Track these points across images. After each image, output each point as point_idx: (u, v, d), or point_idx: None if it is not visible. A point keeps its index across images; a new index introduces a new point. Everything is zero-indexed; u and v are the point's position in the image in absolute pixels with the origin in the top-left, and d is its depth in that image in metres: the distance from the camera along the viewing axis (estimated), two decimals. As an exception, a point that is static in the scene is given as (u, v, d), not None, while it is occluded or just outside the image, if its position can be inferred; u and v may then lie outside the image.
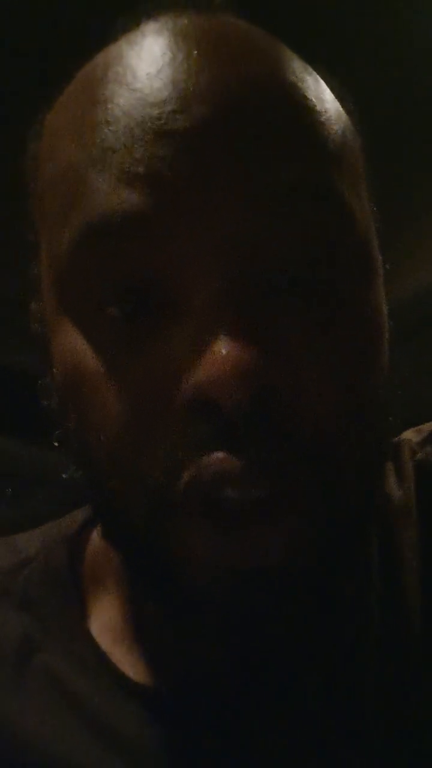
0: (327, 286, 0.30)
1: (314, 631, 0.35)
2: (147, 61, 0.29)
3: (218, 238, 0.27)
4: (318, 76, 0.33)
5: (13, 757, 0.35)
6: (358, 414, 0.30)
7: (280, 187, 0.28)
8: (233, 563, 0.28)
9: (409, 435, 0.43)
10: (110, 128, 0.29)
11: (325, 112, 0.31)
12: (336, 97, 0.33)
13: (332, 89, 0.33)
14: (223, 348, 0.26)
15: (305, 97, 0.30)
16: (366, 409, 0.30)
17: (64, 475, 0.33)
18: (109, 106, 0.29)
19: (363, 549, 0.37)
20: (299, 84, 0.30)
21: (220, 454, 0.27)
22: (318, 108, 0.30)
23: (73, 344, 0.31)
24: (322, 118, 0.30)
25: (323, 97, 0.31)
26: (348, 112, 0.34)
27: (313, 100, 0.30)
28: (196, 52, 0.29)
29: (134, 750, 0.34)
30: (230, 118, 0.28)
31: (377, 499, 0.38)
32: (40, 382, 0.34)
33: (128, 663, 0.36)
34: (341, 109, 0.33)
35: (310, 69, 0.33)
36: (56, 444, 0.33)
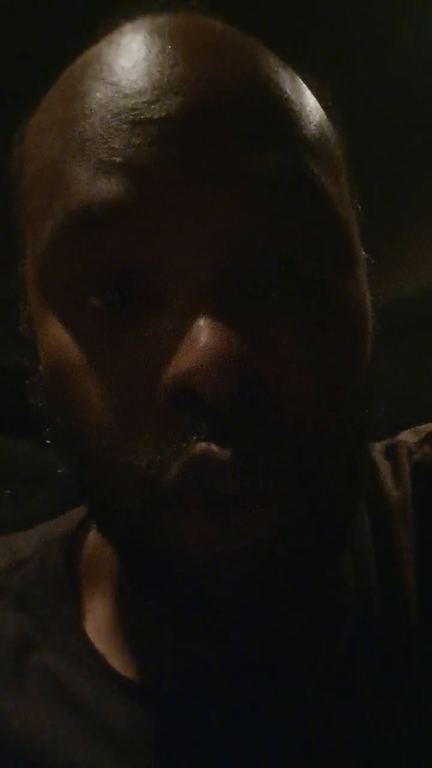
0: (309, 277, 0.30)
1: (311, 628, 0.35)
2: (123, 57, 0.30)
3: (195, 227, 0.28)
4: (294, 73, 0.33)
5: (10, 754, 0.35)
6: (339, 404, 0.30)
7: (254, 176, 0.28)
8: (222, 546, 0.28)
9: (406, 436, 0.43)
10: (87, 121, 0.29)
11: (301, 103, 0.31)
12: (314, 95, 0.33)
13: (310, 87, 0.33)
14: (203, 338, 0.27)
15: (280, 89, 0.30)
16: (347, 400, 0.30)
17: (59, 470, 0.33)
18: (86, 100, 0.30)
19: (351, 533, 0.37)
20: (274, 76, 0.31)
21: (203, 445, 0.27)
22: (293, 99, 0.31)
23: (57, 337, 0.31)
24: (298, 109, 0.31)
25: (299, 90, 0.32)
26: (326, 108, 0.34)
27: (288, 91, 0.31)
28: (170, 46, 0.30)
29: (129, 748, 0.34)
30: (204, 108, 0.28)
31: (364, 484, 0.38)
32: (27, 380, 0.35)
33: (123, 662, 0.37)
34: (318, 104, 0.33)
35: (286, 65, 0.33)
36: (48, 441, 0.33)
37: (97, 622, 0.38)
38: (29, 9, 1.07)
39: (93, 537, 0.42)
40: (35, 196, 0.32)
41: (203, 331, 0.27)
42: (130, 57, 0.30)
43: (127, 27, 0.32)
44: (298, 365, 0.29)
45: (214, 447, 0.27)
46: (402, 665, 0.35)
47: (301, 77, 0.33)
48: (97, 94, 0.30)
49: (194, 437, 0.27)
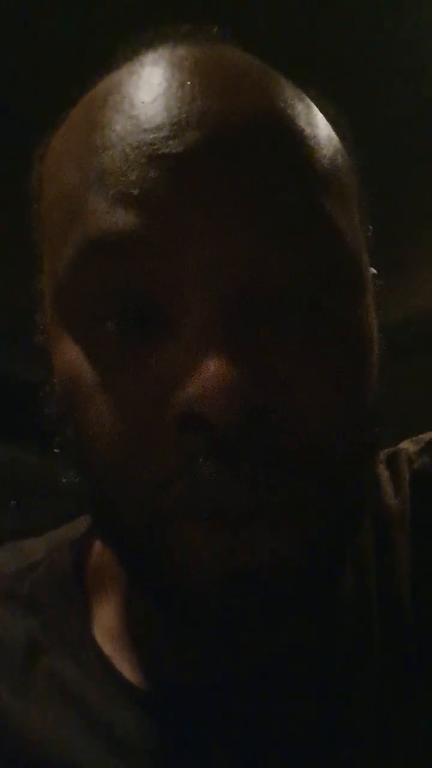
0: (317, 305, 0.31)
1: (311, 636, 0.35)
2: (144, 90, 0.31)
3: (208, 258, 0.29)
4: (310, 103, 0.34)
5: (17, 756, 0.35)
6: (347, 428, 0.30)
7: (268, 209, 0.29)
8: (228, 562, 0.29)
9: (406, 445, 0.44)
10: (107, 152, 0.30)
11: (315, 137, 0.32)
12: (330, 122, 0.34)
13: (326, 114, 0.34)
14: (213, 365, 0.27)
15: (295, 124, 0.31)
16: (355, 423, 0.31)
17: (63, 480, 0.33)
18: (107, 131, 0.31)
19: (353, 550, 0.38)
20: (289, 111, 0.31)
21: (211, 463, 0.28)
22: (307, 133, 0.31)
23: (71, 356, 0.32)
24: (311, 143, 0.31)
25: (313, 122, 0.33)
26: (341, 136, 0.35)
27: (302, 125, 0.32)
28: (189, 82, 0.30)
29: (134, 753, 0.35)
30: (220, 144, 0.29)
31: (368, 504, 0.38)
32: (41, 391, 0.35)
33: (129, 667, 0.37)
34: (332, 133, 0.34)
35: (303, 96, 0.34)
36: (56, 450, 0.34)
37: (105, 627, 0.39)
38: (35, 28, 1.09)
39: (100, 543, 0.42)
40: (54, 218, 0.33)
41: (212, 359, 0.28)
42: (150, 91, 0.31)
43: (148, 58, 0.33)
44: (304, 392, 0.29)
45: (221, 465, 0.28)
46: (399, 670, 0.36)
47: (315, 102, 0.34)
48: (117, 127, 0.30)
49: (202, 457, 0.28)
